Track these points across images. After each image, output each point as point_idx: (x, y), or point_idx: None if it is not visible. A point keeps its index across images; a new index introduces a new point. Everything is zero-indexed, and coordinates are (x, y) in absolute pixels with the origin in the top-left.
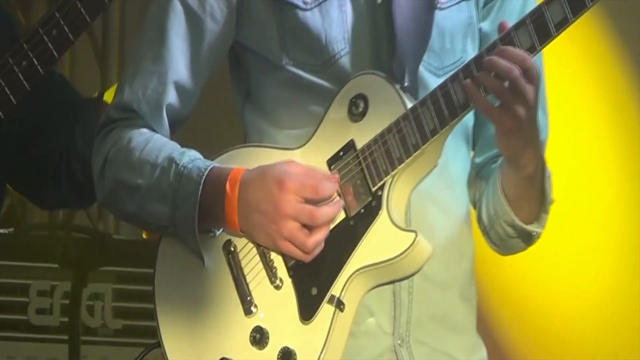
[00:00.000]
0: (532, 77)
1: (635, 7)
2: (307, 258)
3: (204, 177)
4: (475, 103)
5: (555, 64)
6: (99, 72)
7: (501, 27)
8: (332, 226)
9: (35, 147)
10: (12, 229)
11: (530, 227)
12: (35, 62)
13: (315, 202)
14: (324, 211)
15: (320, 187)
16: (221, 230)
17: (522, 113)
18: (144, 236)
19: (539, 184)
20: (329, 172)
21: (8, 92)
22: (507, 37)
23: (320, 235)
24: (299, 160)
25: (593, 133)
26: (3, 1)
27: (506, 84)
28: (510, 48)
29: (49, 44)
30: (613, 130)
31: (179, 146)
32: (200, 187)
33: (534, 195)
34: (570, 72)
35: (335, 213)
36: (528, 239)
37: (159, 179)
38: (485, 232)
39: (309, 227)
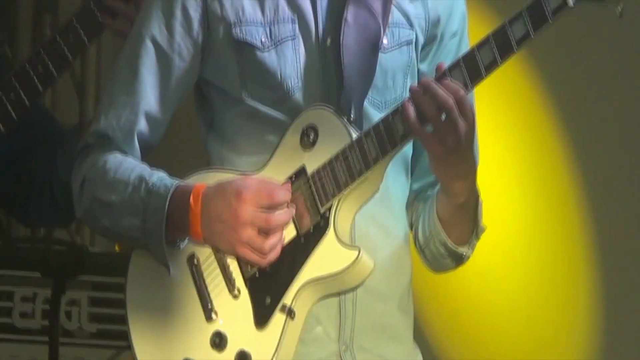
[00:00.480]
0: (465, 109)
1: (557, 52)
2: (264, 262)
3: (170, 192)
4: (409, 124)
5: (482, 102)
6: (78, 102)
7: (438, 68)
8: (284, 243)
9: (21, 171)
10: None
11: (460, 249)
12: (22, 95)
13: (270, 208)
14: (278, 217)
15: (274, 193)
16: (186, 241)
17: (452, 142)
18: (117, 249)
19: (472, 212)
20: None
21: (7, 113)
22: (442, 76)
23: (274, 239)
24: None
25: (513, 160)
26: None
27: (443, 116)
28: (447, 81)
29: (35, 79)
30: (531, 159)
31: (148, 167)
32: (167, 201)
33: (466, 221)
34: (496, 108)
35: (287, 219)
36: (458, 259)
37: (131, 196)
38: (421, 251)
39: (265, 233)
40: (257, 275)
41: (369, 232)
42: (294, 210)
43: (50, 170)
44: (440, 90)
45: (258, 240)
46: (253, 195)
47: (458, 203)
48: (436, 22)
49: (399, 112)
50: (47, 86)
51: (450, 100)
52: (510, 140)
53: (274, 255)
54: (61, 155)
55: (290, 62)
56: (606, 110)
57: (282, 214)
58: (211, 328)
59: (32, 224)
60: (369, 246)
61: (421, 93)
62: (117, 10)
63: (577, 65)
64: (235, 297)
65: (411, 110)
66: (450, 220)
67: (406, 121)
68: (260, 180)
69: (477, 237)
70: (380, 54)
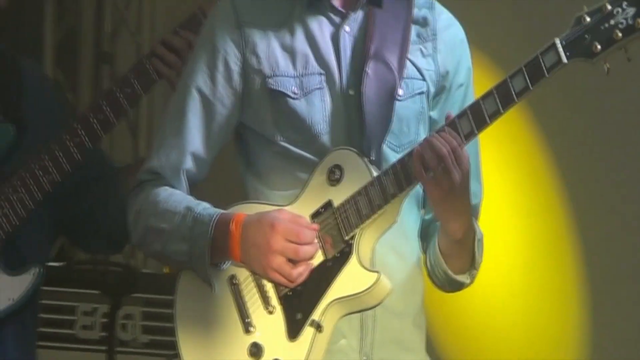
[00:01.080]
0: (460, 158)
1: (559, 110)
2: (291, 285)
3: (213, 221)
4: (414, 172)
5: (488, 145)
6: (132, 142)
7: (447, 117)
8: (314, 266)
9: (80, 205)
10: (64, 263)
11: (460, 278)
12: (85, 139)
13: (298, 243)
14: (305, 249)
15: (301, 233)
16: (227, 263)
17: (447, 187)
18: (166, 270)
19: (469, 248)
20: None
21: (64, 162)
22: (451, 123)
23: (301, 269)
24: (288, 211)
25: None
26: (59, 86)
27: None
28: (444, 133)
29: (96, 125)
30: (530, 199)
31: (194, 199)
32: (211, 228)
33: (463, 255)
34: (499, 151)
35: (313, 252)
36: (459, 286)
37: (179, 224)
38: (429, 275)
39: (293, 262)
40: (289, 294)
41: (387, 257)
42: (317, 247)
43: (105, 207)
44: (438, 143)
45: (287, 267)
46: (284, 229)
47: (455, 239)
48: (445, 75)
49: (412, 154)
50: (107, 132)
51: (445, 150)
52: (513, 182)
53: (300, 280)
54: (114, 195)
55: (318, 110)
56: (596, 150)
57: (308, 248)
58: (249, 339)
59: (89, 251)
60: (387, 270)
61: (425, 146)
62: (168, 64)
63: (573, 111)
64: (270, 312)
65: (417, 160)
66: (449, 253)
67: (413, 169)
68: (293, 217)
69: (476, 269)
70: (396, 103)
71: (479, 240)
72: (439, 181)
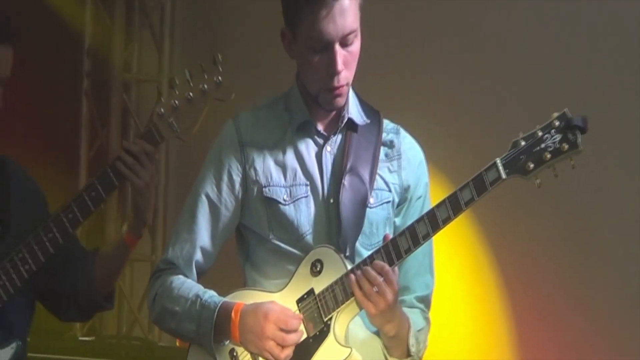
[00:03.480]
0: (390, 281)
1: (499, 213)
2: None
3: (217, 307)
4: (355, 295)
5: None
6: (150, 240)
7: (385, 237)
8: (299, 342)
9: (56, 284)
10: (93, 337)
11: None
12: (57, 235)
13: (286, 332)
14: (292, 337)
15: (289, 322)
16: (228, 341)
17: (382, 306)
18: (178, 344)
19: (404, 341)
20: (297, 310)
21: (40, 254)
22: (392, 240)
23: (288, 351)
24: (278, 300)
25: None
26: (37, 186)
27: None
28: (384, 267)
29: (67, 223)
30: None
31: (202, 287)
32: (215, 314)
33: (400, 346)
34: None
35: (297, 339)
36: None
37: (190, 308)
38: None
39: (282, 346)
40: None
41: (358, 334)
42: (301, 334)
43: (75, 284)
44: (372, 273)
45: (276, 350)
46: (275, 319)
47: (390, 336)
48: (407, 188)
49: (380, 251)
50: (75, 229)
51: (379, 278)
52: (459, 273)
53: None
54: (83, 273)
55: (304, 214)
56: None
57: (294, 335)
58: None
59: (64, 319)
60: (358, 345)
61: (360, 275)
62: (127, 166)
63: (509, 217)
64: None
65: (356, 286)
66: (387, 345)
67: (353, 292)
68: (283, 308)
69: (412, 356)
70: (367, 210)
71: (418, 331)
72: (375, 301)
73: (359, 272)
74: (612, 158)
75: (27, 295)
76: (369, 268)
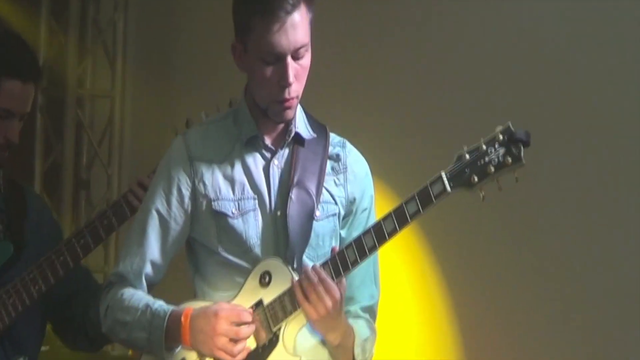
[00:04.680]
0: (329, 288)
1: (444, 224)
2: None
3: (167, 314)
4: (296, 300)
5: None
6: (103, 253)
7: (332, 250)
8: (249, 351)
9: (66, 310)
10: (47, 347)
11: None
12: (68, 259)
13: (238, 325)
14: (244, 330)
15: (240, 314)
16: (179, 348)
17: (322, 311)
18: (130, 353)
19: (349, 350)
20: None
21: (50, 276)
22: (357, 239)
23: (241, 346)
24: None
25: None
26: (51, 212)
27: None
28: (320, 271)
29: (78, 249)
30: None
31: (152, 298)
32: (166, 320)
33: (345, 354)
34: (394, 270)
35: (251, 332)
36: None
37: (140, 317)
38: None
39: (235, 341)
40: None
41: (306, 342)
42: (254, 327)
43: (85, 313)
44: (312, 276)
45: (229, 345)
46: (226, 314)
47: (334, 345)
48: (352, 201)
49: (327, 263)
50: (86, 255)
51: (315, 281)
52: (403, 280)
53: (240, 357)
54: (94, 303)
55: (252, 227)
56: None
57: (246, 329)
58: None
59: (75, 349)
60: (306, 355)
61: (302, 278)
62: (139, 199)
63: (455, 229)
64: None
65: (298, 290)
66: (333, 353)
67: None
68: (232, 305)
69: None
70: (314, 222)
71: (364, 340)
72: (315, 305)
73: (302, 276)
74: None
75: (39, 317)
76: (309, 272)
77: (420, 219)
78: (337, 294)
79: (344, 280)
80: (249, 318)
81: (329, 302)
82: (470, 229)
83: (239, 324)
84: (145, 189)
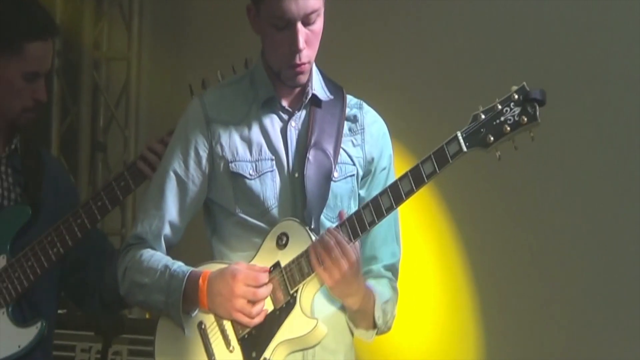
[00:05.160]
0: (345, 251)
1: (462, 188)
2: (253, 323)
3: (186, 277)
4: (311, 264)
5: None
6: (121, 216)
7: (340, 215)
8: (266, 313)
9: (81, 274)
10: (65, 311)
11: (363, 335)
12: (86, 221)
13: (256, 286)
14: (261, 291)
15: (257, 276)
16: (197, 311)
17: (337, 275)
18: (147, 316)
19: (369, 314)
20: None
21: (68, 238)
22: (374, 200)
23: (259, 307)
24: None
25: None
26: (68, 175)
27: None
28: (335, 234)
29: (95, 210)
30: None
31: (171, 259)
32: (184, 283)
33: (365, 319)
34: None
35: (268, 292)
36: (369, 337)
37: (159, 279)
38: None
39: (253, 303)
40: (246, 336)
41: (323, 306)
42: (271, 287)
43: (101, 277)
44: (326, 238)
45: (248, 307)
46: (244, 276)
47: (353, 310)
48: (371, 161)
49: (345, 224)
50: (103, 216)
51: (331, 243)
52: (421, 243)
53: (259, 319)
54: (109, 268)
55: (269, 188)
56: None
57: (264, 290)
58: None
59: (87, 312)
60: (323, 316)
61: (316, 241)
62: (151, 165)
63: (473, 190)
64: (231, 351)
65: (312, 255)
66: (352, 317)
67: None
68: (248, 266)
69: (377, 329)
70: (332, 183)
71: (385, 303)
72: (330, 270)
73: (317, 240)
74: (587, 147)
75: (55, 281)
76: (325, 236)
77: (436, 180)
78: (354, 257)
79: (357, 243)
80: (266, 279)
81: (344, 266)
82: (487, 188)
83: (257, 286)
84: (156, 154)
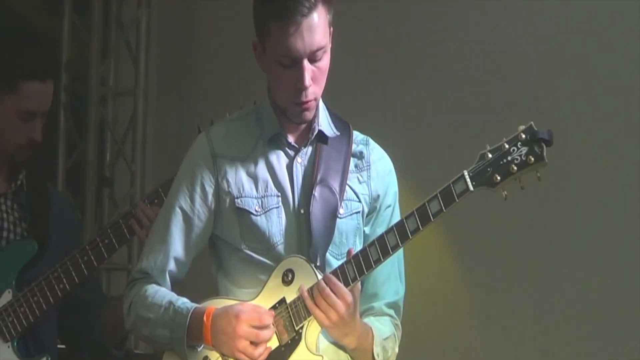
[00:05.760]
0: (340, 295)
1: (466, 219)
2: None
3: (190, 313)
4: (307, 307)
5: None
6: (127, 252)
7: (348, 253)
8: (272, 349)
9: (78, 316)
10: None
11: None
12: (92, 258)
13: (259, 328)
14: (264, 333)
15: (262, 317)
16: (202, 347)
17: (334, 317)
18: (153, 351)
19: (369, 351)
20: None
21: (74, 275)
22: (362, 251)
23: (261, 349)
24: (250, 303)
25: None
26: (75, 211)
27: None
28: (331, 279)
29: (102, 249)
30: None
31: (175, 295)
32: (188, 319)
33: (364, 356)
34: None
35: (271, 335)
36: None
37: (163, 315)
38: None
39: (255, 344)
40: None
41: (329, 344)
42: (274, 330)
43: (93, 324)
44: (322, 285)
45: (250, 349)
46: (247, 317)
47: (350, 349)
48: (376, 198)
49: (350, 262)
50: (110, 255)
51: (327, 290)
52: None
53: (261, 359)
54: (99, 314)
55: (275, 224)
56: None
57: (267, 332)
58: None
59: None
60: (329, 354)
61: (313, 287)
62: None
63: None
64: None
65: (307, 299)
66: (352, 355)
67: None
68: (253, 307)
69: None
70: (337, 220)
71: (385, 340)
72: (326, 312)
73: (312, 285)
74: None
75: (55, 317)
76: (320, 281)
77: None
78: (350, 299)
79: (358, 284)
80: (269, 321)
81: (341, 308)
82: (491, 223)
83: (260, 327)
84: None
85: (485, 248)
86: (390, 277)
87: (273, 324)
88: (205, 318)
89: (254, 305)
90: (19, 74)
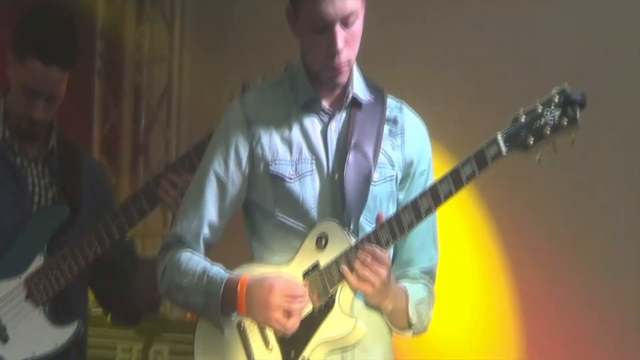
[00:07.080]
0: (381, 262)
1: (503, 189)
2: (288, 332)
3: (223, 282)
4: (346, 278)
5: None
6: (162, 217)
7: (378, 218)
8: (304, 315)
9: (107, 284)
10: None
11: (404, 332)
12: (125, 222)
13: (293, 298)
14: (297, 305)
15: (295, 289)
16: (235, 314)
17: (378, 283)
18: (188, 316)
19: (403, 313)
20: (303, 281)
21: (106, 239)
22: (396, 215)
23: (295, 319)
24: (284, 273)
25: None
26: (108, 175)
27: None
28: (367, 247)
29: (134, 213)
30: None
31: (209, 262)
32: (222, 288)
33: (400, 318)
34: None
35: (303, 307)
36: (406, 334)
37: (197, 282)
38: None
39: (288, 314)
40: (285, 336)
41: (362, 306)
42: (306, 300)
43: (125, 288)
44: (362, 255)
45: (283, 319)
46: (281, 288)
47: (387, 311)
48: (410, 164)
49: (384, 226)
50: (142, 219)
51: (369, 259)
52: (460, 246)
53: (294, 329)
54: (133, 279)
55: (309, 190)
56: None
57: (300, 304)
58: None
59: (113, 320)
60: (363, 316)
61: (345, 256)
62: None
63: (512, 193)
64: (270, 351)
65: (348, 274)
66: (389, 318)
67: (344, 275)
68: (287, 278)
69: (412, 328)
70: (371, 186)
71: (419, 303)
72: (371, 281)
73: (352, 261)
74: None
75: (85, 282)
76: (360, 252)
77: (478, 183)
78: (389, 262)
79: (390, 249)
80: (302, 293)
81: (383, 272)
82: (526, 187)
83: (293, 296)
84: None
85: (521, 211)
86: (425, 243)
87: (309, 294)
88: (239, 288)
89: (287, 277)
90: (26, 48)
